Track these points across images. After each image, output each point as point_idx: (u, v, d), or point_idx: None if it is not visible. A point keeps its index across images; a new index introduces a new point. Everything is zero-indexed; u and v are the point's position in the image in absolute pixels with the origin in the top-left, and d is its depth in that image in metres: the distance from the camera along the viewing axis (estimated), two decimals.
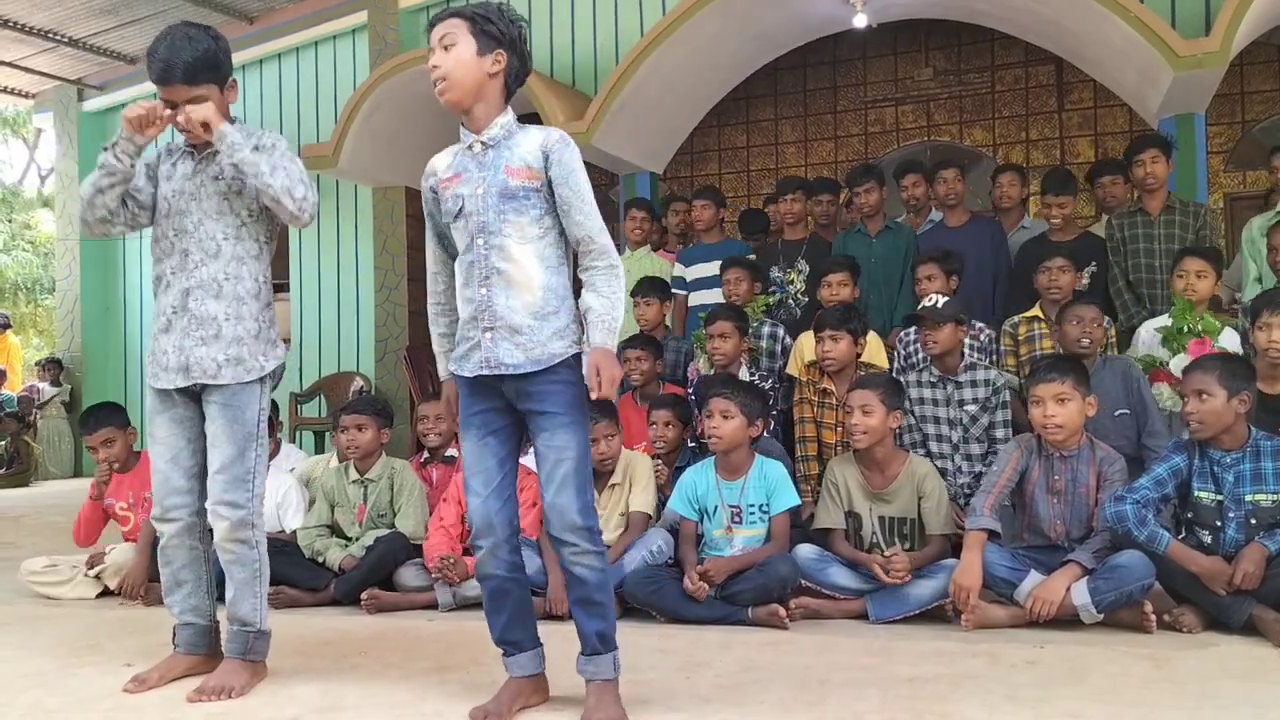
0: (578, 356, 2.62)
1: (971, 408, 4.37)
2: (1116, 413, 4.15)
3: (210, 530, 2.99)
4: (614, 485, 4.15)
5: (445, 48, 2.59)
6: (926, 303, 4.49)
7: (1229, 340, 4.45)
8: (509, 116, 2.67)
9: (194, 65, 2.86)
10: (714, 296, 5.87)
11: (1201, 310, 4.58)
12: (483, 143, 2.65)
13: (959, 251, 5.21)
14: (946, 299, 4.46)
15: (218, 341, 2.91)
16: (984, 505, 3.59)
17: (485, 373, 2.62)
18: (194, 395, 2.98)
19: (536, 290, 2.60)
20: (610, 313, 2.57)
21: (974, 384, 4.39)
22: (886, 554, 3.68)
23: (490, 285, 2.61)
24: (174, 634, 3.07)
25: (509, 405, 2.66)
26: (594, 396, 2.55)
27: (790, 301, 5.95)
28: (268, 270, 3.04)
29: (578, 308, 2.65)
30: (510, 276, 2.60)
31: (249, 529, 2.94)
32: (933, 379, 4.45)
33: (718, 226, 6.37)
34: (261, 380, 2.98)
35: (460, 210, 2.65)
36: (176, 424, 2.99)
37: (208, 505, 2.94)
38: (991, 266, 5.60)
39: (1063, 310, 4.43)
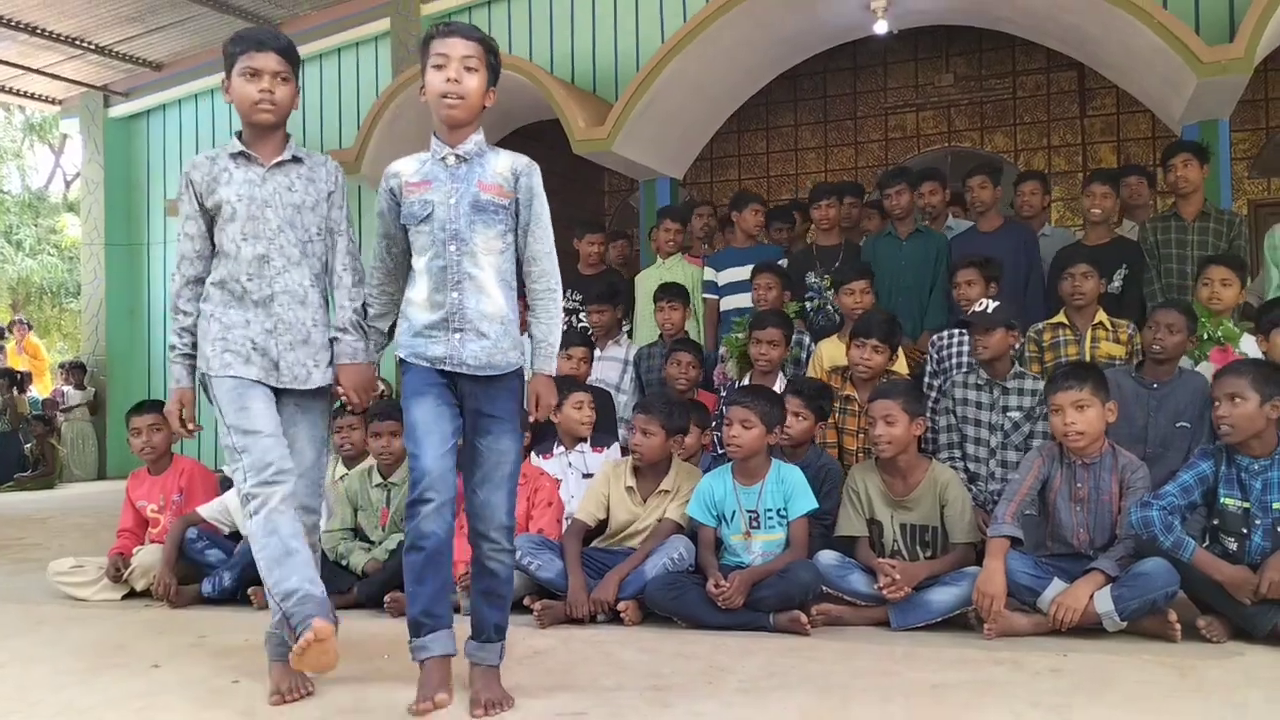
0: (522, 369, 2.87)
1: (1015, 414, 4.34)
2: (1177, 424, 4.12)
3: None
4: (663, 491, 4.12)
5: (468, 69, 2.79)
6: (977, 308, 4.46)
7: (1250, 347, 4.43)
8: (481, 135, 2.89)
9: (289, 46, 2.97)
10: (745, 301, 5.87)
11: (1224, 317, 4.57)
12: (457, 155, 2.84)
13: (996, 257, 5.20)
14: (998, 304, 4.43)
15: (306, 347, 2.95)
16: (1006, 513, 3.59)
17: (447, 369, 2.79)
18: (275, 391, 2.98)
19: (500, 299, 2.82)
20: (548, 338, 2.85)
21: (1021, 392, 4.36)
22: (886, 573, 3.62)
23: (462, 290, 2.79)
24: (288, 616, 2.66)
25: (459, 397, 2.84)
26: (531, 420, 2.77)
27: (829, 307, 5.92)
28: (327, 284, 3.07)
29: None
30: (480, 283, 2.80)
31: (317, 533, 3.01)
32: (980, 381, 4.43)
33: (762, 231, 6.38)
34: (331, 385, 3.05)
35: (429, 215, 2.82)
36: (272, 404, 2.91)
37: None
38: (1025, 271, 5.56)
39: (1154, 313, 4.39)
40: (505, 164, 2.85)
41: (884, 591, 3.61)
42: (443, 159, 2.85)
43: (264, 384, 2.91)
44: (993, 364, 4.41)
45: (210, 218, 2.97)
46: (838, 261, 5.95)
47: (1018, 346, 4.94)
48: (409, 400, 2.82)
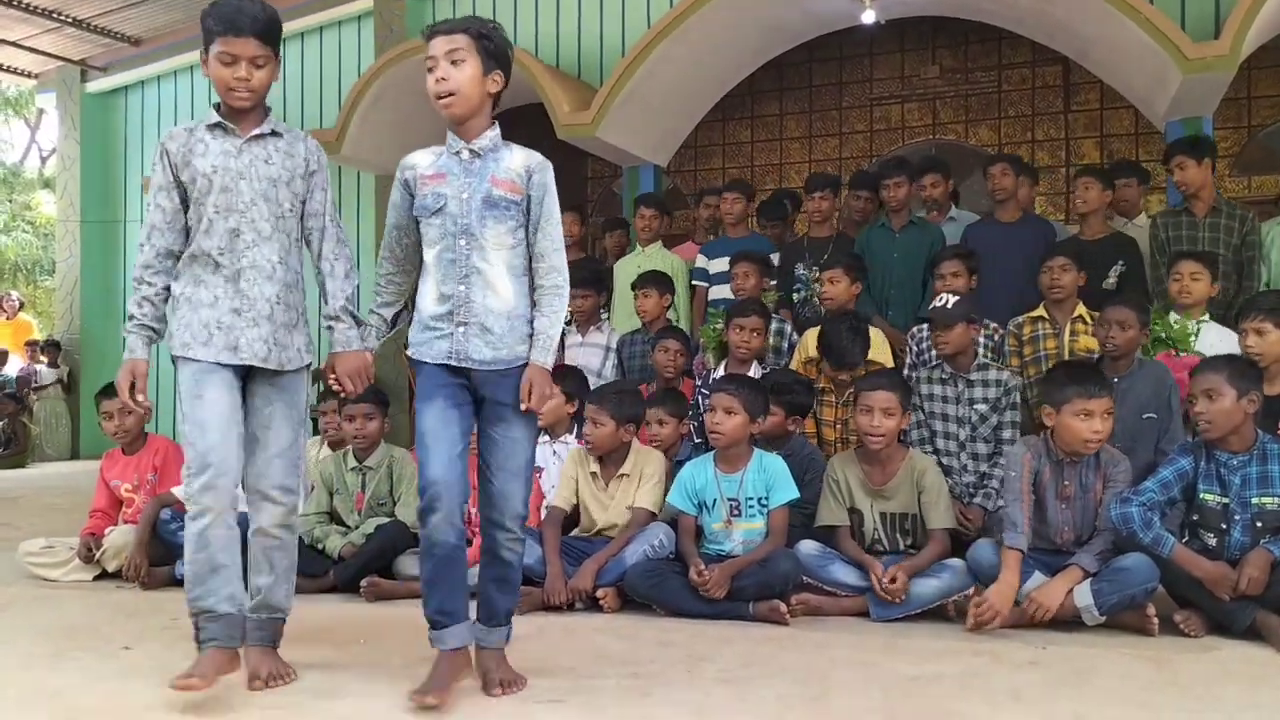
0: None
1: (981, 407, 4.34)
2: (1144, 416, 4.12)
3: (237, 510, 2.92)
4: (623, 475, 4.12)
5: (454, 63, 2.77)
6: (937, 303, 4.45)
7: (1208, 343, 4.44)
8: (496, 131, 2.88)
9: (269, 24, 2.84)
10: (728, 291, 5.84)
11: (1198, 313, 4.61)
12: (471, 150, 2.83)
13: (987, 252, 5.16)
14: (957, 299, 4.42)
15: (269, 323, 2.88)
16: (1023, 520, 3.49)
17: (453, 363, 2.79)
18: (239, 374, 2.90)
19: (509, 295, 2.81)
20: (548, 331, 2.82)
21: (985, 383, 4.37)
22: (887, 578, 3.59)
23: (469, 283, 2.79)
24: (199, 627, 2.78)
25: (471, 387, 2.82)
26: (523, 409, 2.77)
27: (815, 299, 5.90)
28: (303, 262, 3.00)
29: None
30: (488, 278, 2.79)
31: (295, 515, 2.96)
32: (944, 376, 4.43)
33: (745, 221, 6.34)
34: (308, 366, 3.01)
35: (441, 209, 2.82)
36: (229, 391, 2.84)
37: (263, 488, 2.88)
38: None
39: (1100, 312, 4.40)
40: (520, 161, 2.85)
41: (881, 590, 3.58)
42: (457, 153, 2.84)
43: (227, 366, 2.85)
44: (955, 358, 4.41)
45: (184, 191, 2.90)
46: (827, 254, 5.92)
47: (996, 338, 4.95)
48: (419, 403, 2.84)
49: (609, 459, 4.15)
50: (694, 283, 6.25)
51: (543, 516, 4.13)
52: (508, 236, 2.81)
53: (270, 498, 2.89)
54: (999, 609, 3.38)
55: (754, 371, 4.77)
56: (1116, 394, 3.98)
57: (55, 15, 9.70)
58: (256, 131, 2.90)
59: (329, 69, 9.59)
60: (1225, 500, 3.39)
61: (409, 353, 2.88)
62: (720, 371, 4.89)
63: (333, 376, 3.00)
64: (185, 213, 2.91)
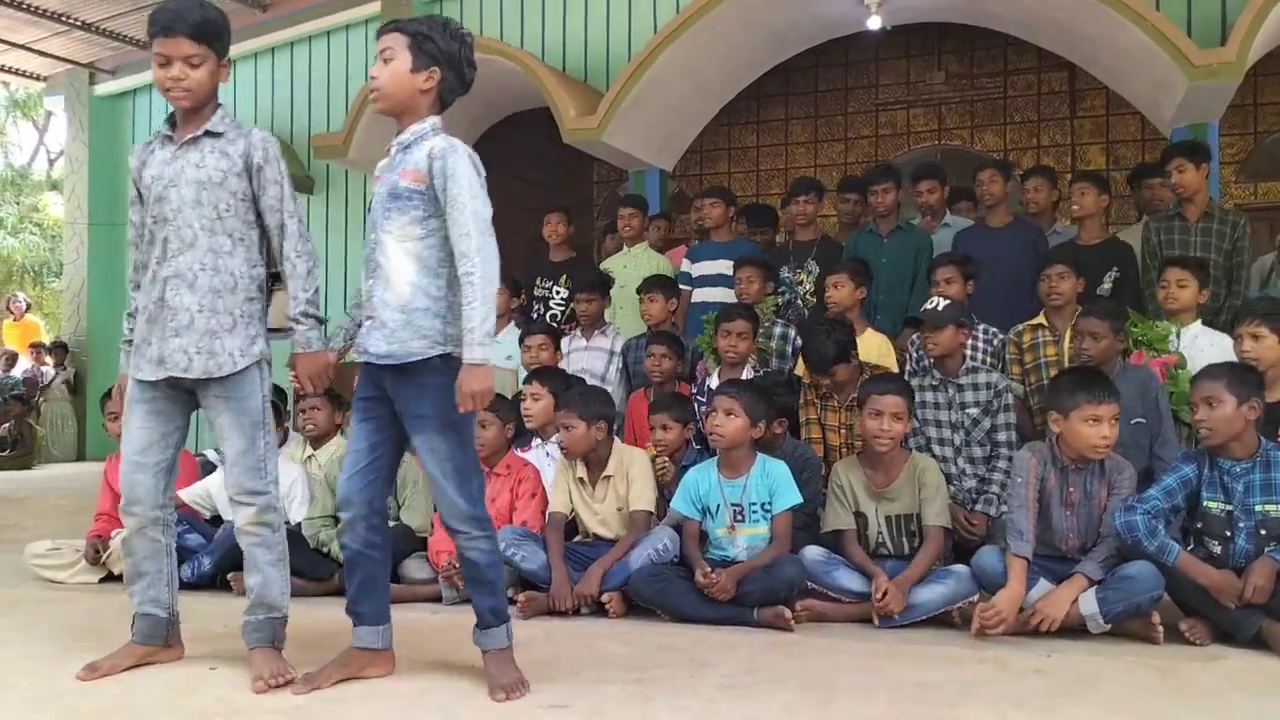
0: (446, 358, 2.75)
1: (973, 410, 4.33)
2: (1133, 421, 4.11)
3: (170, 524, 3.02)
4: (607, 477, 4.13)
5: (385, 60, 2.80)
6: (928, 305, 4.46)
7: (1199, 349, 4.44)
8: (426, 124, 2.83)
9: (202, 24, 2.87)
10: (719, 294, 5.86)
11: (1187, 319, 4.60)
12: (397, 145, 2.85)
13: (976, 257, 5.17)
14: (949, 301, 4.43)
15: (190, 332, 2.88)
16: (1028, 528, 3.49)
17: (359, 359, 2.83)
18: (180, 388, 2.95)
19: (405, 288, 2.76)
20: (468, 324, 2.66)
21: (975, 387, 4.36)
22: (879, 593, 3.58)
23: (375, 278, 2.82)
24: (132, 622, 3.03)
25: (389, 396, 2.83)
26: (460, 411, 2.69)
27: (799, 302, 5.94)
28: (251, 261, 2.97)
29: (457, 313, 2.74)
30: (386, 272, 2.79)
31: (271, 512, 2.97)
32: (934, 382, 4.42)
33: (728, 225, 6.36)
34: (259, 365, 2.97)
35: (371, 206, 2.91)
36: (153, 416, 2.95)
37: (230, 494, 2.96)
38: (1032, 270, 5.51)
39: (1075, 321, 4.40)
40: (426, 148, 2.77)
41: (878, 601, 3.59)
42: (390, 151, 2.87)
43: (164, 382, 2.91)
44: (944, 362, 4.41)
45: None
46: (811, 257, 5.96)
47: (996, 343, 4.94)
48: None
49: (593, 462, 4.15)
50: (679, 286, 6.26)
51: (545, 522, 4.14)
52: (414, 228, 2.76)
53: (237, 501, 2.96)
54: (1004, 615, 3.38)
55: (747, 374, 4.78)
56: None
57: (64, 18, 9.73)
58: (190, 135, 2.92)
59: (336, 73, 9.60)
60: (1229, 508, 3.39)
61: (352, 353, 2.93)
62: (715, 377, 4.90)
63: (294, 376, 3.03)
64: None
